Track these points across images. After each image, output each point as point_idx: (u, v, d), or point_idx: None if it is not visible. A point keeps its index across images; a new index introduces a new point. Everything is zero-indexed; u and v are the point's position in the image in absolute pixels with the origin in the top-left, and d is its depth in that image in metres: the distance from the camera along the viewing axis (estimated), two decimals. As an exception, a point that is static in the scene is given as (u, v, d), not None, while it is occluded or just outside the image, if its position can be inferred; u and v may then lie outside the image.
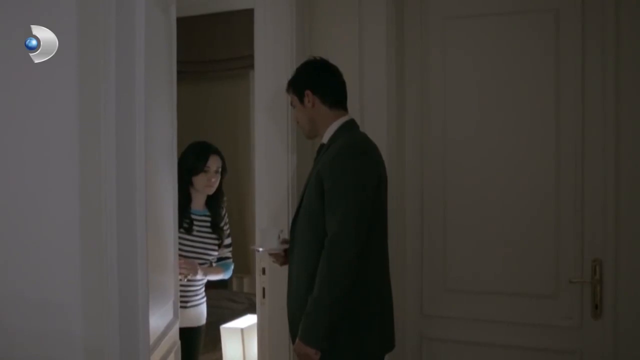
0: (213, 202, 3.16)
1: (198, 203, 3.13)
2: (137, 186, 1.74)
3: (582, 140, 2.60)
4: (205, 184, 3.06)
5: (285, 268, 2.43)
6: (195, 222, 3.09)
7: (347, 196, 2.17)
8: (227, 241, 3.25)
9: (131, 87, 1.71)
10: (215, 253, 3.18)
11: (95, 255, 1.63)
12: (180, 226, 2.90)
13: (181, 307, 2.97)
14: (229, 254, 3.28)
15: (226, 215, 3.25)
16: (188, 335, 3.04)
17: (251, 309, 4.38)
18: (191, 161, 3.04)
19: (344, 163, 2.23)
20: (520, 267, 2.70)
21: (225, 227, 3.22)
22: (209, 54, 5.41)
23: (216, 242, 3.17)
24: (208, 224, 3.13)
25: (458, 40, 2.79)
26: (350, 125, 2.38)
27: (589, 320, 2.60)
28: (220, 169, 3.11)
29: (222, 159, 3.14)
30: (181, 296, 2.94)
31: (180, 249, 2.85)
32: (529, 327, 2.69)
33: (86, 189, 1.63)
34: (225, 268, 3.25)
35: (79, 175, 1.62)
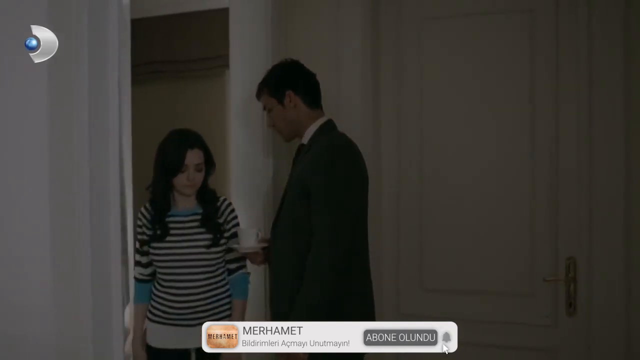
0: (203, 196, 2.58)
1: (184, 204, 2.57)
2: (111, 185, 1.72)
3: (556, 139, 2.63)
4: (184, 184, 2.49)
5: (266, 267, 2.41)
6: (174, 226, 2.52)
7: (335, 196, 2.16)
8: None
9: (104, 83, 1.68)
10: (210, 255, 2.50)
11: (67, 257, 1.60)
12: (154, 237, 2.49)
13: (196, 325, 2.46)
14: (245, 262, 2.61)
15: (229, 211, 2.59)
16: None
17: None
18: (168, 160, 2.47)
19: (331, 163, 2.21)
20: (496, 266, 2.72)
21: (225, 224, 2.55)
22: (185, 52, 5.38)
23: (208, 239, 2.50)
24: (197, 223, 2.53)
25: (434, 41, 2.80)
26: (331, 126, 2.37)
27: (564, 318, 2.63)
28: (202, 165, 2.52)
29: (204, 150, 2.54)
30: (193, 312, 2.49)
31: (160, 259, 2.48)
32: (504, 326, 2.71)
33: (57, 189, 1.60)
34: (241, 287, 2.60)
35: (49, 176, 1.59)
